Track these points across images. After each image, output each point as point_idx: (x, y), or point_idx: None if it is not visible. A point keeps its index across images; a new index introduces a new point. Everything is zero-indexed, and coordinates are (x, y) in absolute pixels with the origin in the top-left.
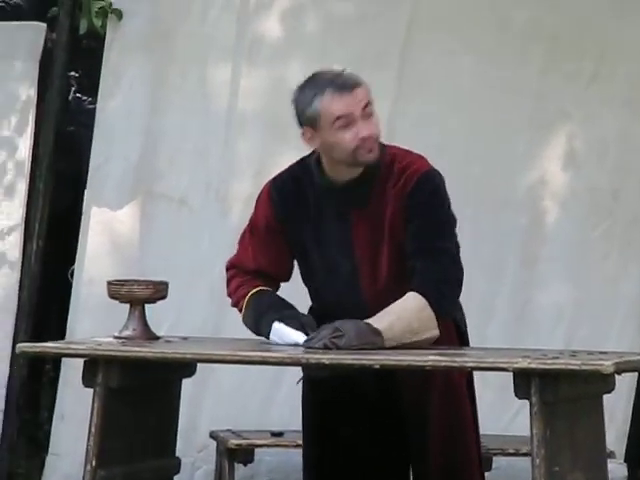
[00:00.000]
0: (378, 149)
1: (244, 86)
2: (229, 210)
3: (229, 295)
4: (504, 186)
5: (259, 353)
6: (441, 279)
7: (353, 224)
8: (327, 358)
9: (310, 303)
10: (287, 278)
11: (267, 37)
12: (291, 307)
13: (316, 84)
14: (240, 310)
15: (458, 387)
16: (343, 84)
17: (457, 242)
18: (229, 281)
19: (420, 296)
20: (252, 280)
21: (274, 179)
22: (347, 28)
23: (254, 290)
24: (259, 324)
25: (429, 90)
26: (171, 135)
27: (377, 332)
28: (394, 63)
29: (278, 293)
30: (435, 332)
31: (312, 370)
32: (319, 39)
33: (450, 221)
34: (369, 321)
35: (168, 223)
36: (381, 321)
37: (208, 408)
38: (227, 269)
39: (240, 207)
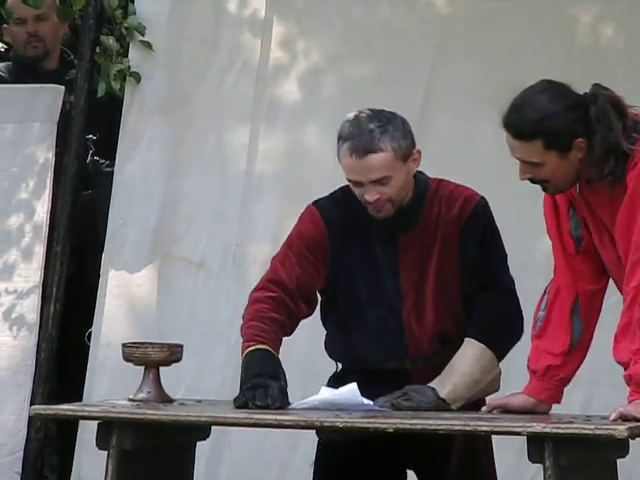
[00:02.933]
0: (390, 208)
1: (262, 149)
2: (247, 274)
3: (244, 319)
4: (523, 250)
5: (274, 416)
6: (501, 321)
7: (400, 248)
8: (341, 421)
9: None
10: (314, 305)
11: (285, 100)
12: (271, 375)
13: (342, 132)
14: (242, 350)
15: (480, 451)
16: (357, 147)
17: (511, 276)
18: (249, 304)
19: (477, 342)
20: (269, 319)
21: (318, 200)
22: (365, 91)
23: (253, 348)
24: (240, 387)
25: (446, 154)
26: (189, 198)
27: (442, 400)
28: (413, 127)
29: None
30: (496, 371)
31: (326, 434)
32: (337, 102)
33: (504, 253)
34: (433, 385)
35: (185, 286)
36: (444, 385)
37: (225, 471)
38: (256, 289)
39: (258, 271)
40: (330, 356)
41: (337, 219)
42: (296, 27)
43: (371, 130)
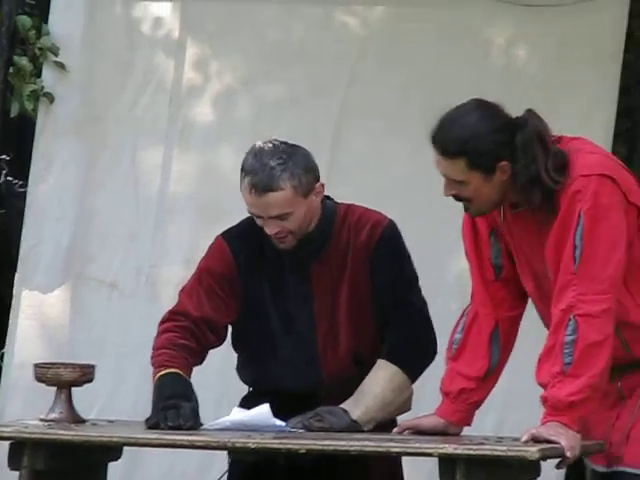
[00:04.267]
0: (292, 239)
1: (175, 170)
2: (159, 295)
3: (153, 349)
4: (435, 272)
5: (186, 437)
6: (414, 343)
7: (313, 276)
8: (253, 442)
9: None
10: (223, 337)
11: (198, 121)
12: (183, 397)
13: (245, 164)
14: (153, 377)
15: (396, 468)
16: (257, 184)
17: (423, 298)
18: (158, 335)
19: (390, 364)
20: (179, 346)
21: (228, 230)
22: (279, 112)
23: (164, 372)
24: (152, 409)
25: (360, 175)
26: (102, 219)
27: (354, 421)
28: (326, 147)
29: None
30: (408, 392)
31: (238, 455)
32: (250, 123)
33: (415, 276)
34: (345, 407)
35: (98, 307)
36: (356, 406)
37: None
38: (162, 321)
39: (170, 292)
40: (242, 380)
41: (247, 252)
42: (210, 49)
43: (272, 167)
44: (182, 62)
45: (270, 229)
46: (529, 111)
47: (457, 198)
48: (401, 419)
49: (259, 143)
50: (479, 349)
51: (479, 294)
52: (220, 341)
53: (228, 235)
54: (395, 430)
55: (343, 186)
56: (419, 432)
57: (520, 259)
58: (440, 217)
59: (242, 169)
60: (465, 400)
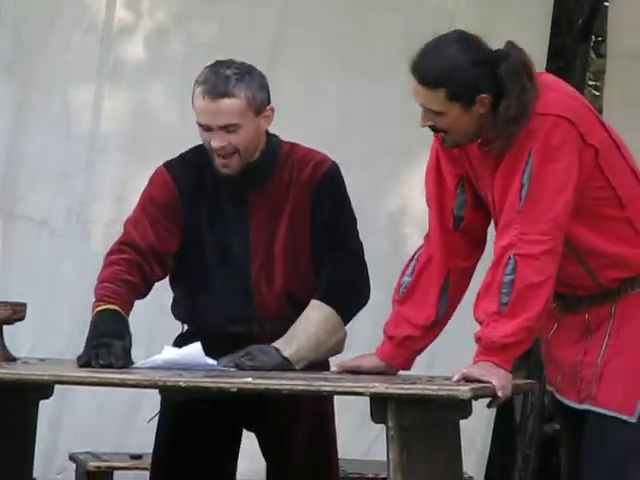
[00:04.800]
0: (237, 162)
1: (106, 109)
2: (90, 233)
3: (97, 280)
4: (368, 212)
5: (117, 375)
6: (349, 285)
7: (251, 205)
8: (184, 381)
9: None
10: (169, 268)
11: (130, 60)
12: (116, 335)
13: (201, 75)
14: (92, 309)
15: (326, 408)
16: (211, 90)
17: (360, 242)
18: (104, 266)
19: (325, 305)
20: (122, 281)
21: (169, 162)
22: (211, 51)
23: (102, 308)
24: (85, 345)
25: (292, 114)
26: (33, 157)
27: (286, 359)
28: None
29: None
30: (341, 334)
31: (169, 393)
32: (182, 62)
33: (354, 219)
34: (277, 345)
35: (29, 245)
36: (289, 345)
37: (68, 430)
38: (110, 252)
39: (101, 230)
40: (176, 318)
41: (188, 181)
42: None
43: (227, 76)
44: (113, 1)
45: (217, 142)
46: (510, 42)
47: (433, 129)
48: (341, 361)
49: (216, 60)
50: (428, 297)
51: (435, 241)
52: (165, 273)
53: (170, 165)
54: (334, 370)
55: (276, 125)
56: (359, 372)
57: (490, 198)
58: (371, 157)
59: (196, 81)
60: (408, 347)
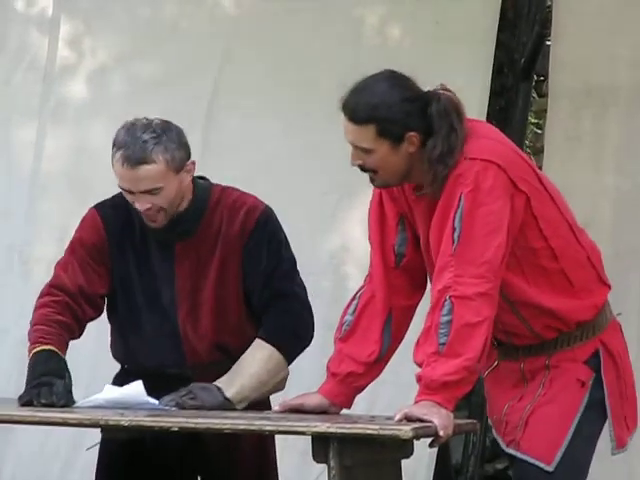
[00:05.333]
0: (163, 218)
1: (48, 147)
2: (32, 272)
3: (30, 324)
4: (309, 250)
5: (59, 414)
6: (292, 326)
7: (177, 256)
8: (126, 420)
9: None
10: (100, 308)
11: (72, 99)
12: (56, 374)
13: (117, 139)
14: (28, 353)
15: (269, 450)
16: (129, 157)
17: (302, 282)
18: (35, 309)
19: (267, 344)
20: (55, 322)
21: (100, 203)
22: (152, 90)
23: (38, 349)
24: (26, 386)
25: (234, 154)
26: None
27: (227, 399)
28: (199, 126)
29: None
30: (283, 373)
31: (111, 432)
32: (124, 101)
33: (293, 261)
34: (219, 384)
35: None
36: (232, 385)
37: (9, 470)
38: (40, 295)
39: (43, 269)
40: (113, 357)
41: (117, 225)
42: (83, 25)
43: (145, 141)
44: (56, 39)
45: (140, 204)
46: (442, 85)
47: (362, 169)
48: (284, 400)
49: (131, 119)
50: (371, 334)
51: (377, 278)
52: (97, 313)
53: (100, 206)
54: (277, 409)
55: (216, 166)
56: (301, 411)
57: (423, 243)
58: (313, 196)
59: (114, 144)
60: (351, 383)
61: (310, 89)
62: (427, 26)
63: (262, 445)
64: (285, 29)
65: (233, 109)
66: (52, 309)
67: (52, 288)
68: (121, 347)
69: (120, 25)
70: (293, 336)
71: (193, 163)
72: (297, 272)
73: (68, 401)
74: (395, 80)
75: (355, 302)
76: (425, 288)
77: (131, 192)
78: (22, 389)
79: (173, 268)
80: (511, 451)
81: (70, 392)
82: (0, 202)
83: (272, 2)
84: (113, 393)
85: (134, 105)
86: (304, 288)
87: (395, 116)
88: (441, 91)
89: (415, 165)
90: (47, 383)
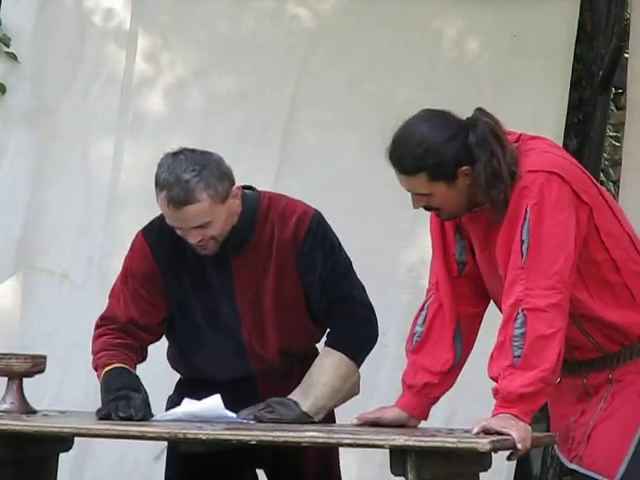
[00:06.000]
0: (215, 245)
1: (126, 161)
2: (110, 285)
3: (93, 354)
4: (386, 263)
5: (137, 428)
6: (357, 329)
7: (234, 270)
8: (204, 433)
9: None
10: (159, 333)
11: (149, 112)
12: (132, 388)
13: (159, 179)
14: (98, 377)
15: (332, 465)
16: (173, 198)
17: (359, 281)
18: (94, 340)
19: (335, 351)
20: (116, 345)
21: (147, 228)
22: (230, 104)
23: (108, 368)
24: (102, 402)
25: (311, 167)
26: (54, 210)
27: (305, 413)
28: (276, 139)
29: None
30: (355, 377)
31: (189, 445)
32: (201, 115)
33: (348, 263)
34: (294, 398)
35: (49, 298)
36: (306, 398)
37: None
38: (96, 327)
39: None
40: (173, 368)
41: (166, 250)
42: (161, 40)
43: (187, 180)
44: (133, 53)
45: (192, 238)
46: (479, 110)
47: (427, 208)
48: (362, 413)
49: (170, 154)
50: (442, 343)
51: (443, 288)
52: (156, 338)
53: (148, 232)
54: (355, 422)
55: (293, 179)
56: (379, 424)
57: (479, 256)
58: (391, 208)
59: (156, 183)
60: (427, 395)
61: (387, 102)
62: (505, 39)
63: (327, 460)
64: (362, 42)
65: (310, 123)
66: (110, 335)
67: (104, 320)
68: (183, 365)
69: (198, 39)
70: (359, 339)
71: (238, 188)
72: (353, 273)
73: (146, 414)
74: (434, 120)
75: (424, 312)
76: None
77: (181, 229)
78: (99, 403)
79: (232, 282)
80: (574, 467)
81: (148, 405)
82: (79, 216)
83: (349, 16)
84: (191, 407)
85: (211, 119)
86: (363, 288)
87: (442, 159)
88: (479, 117)
89: (475, 192)
90: (125, 397)
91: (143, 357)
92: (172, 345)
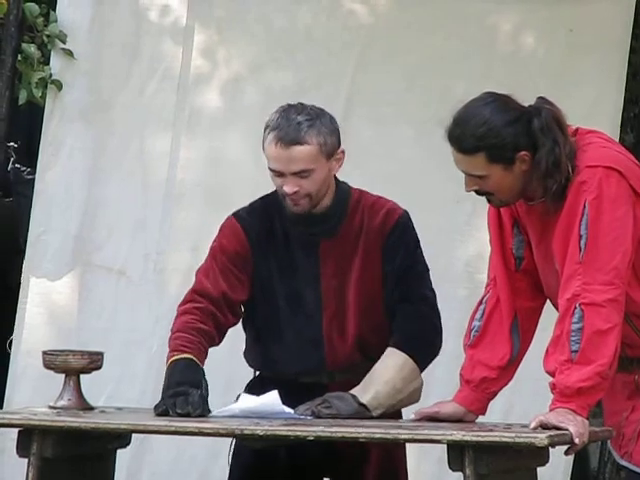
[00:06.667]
0: (308, 203)
1: (183, 157)
2: (167, 281)
3: (171, 331)
4: (443, 258)
5: (195, 424)
6: (423, 333)
7: (322, 254)
8: (261, 429)
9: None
10: (240, 316)
11: (206, 108)
12: (193, 384)
13: (271, 120)
14: (167, 360)
15: (397, 459)
16: (282, 137)
17: (433, 289)
18: (178, 315)
19: (400, 352)
20: (196, 330)
21: (238, 212)
22: (286, 99)
23: (177, 357)
24: (162, 396)
25: (368, 161)
26: (110, 206)
27: (364, 406)
28: None
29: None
30: (417, 382)
31: (247, 441)
32: (258, 110)
33: (426, 267)
34: (354, 392)
35: (106, 294)
36: (366, 392)
37: (145, 479)
38: (184, 301)
39: (179, 278)
40: (248, 364)
41: (258, 230)
42: (217, 35)
43: (299, 122)
44: (190, 49)
45: (289, 187)
46: (541, 98)
47: (478, 192)
48: (420, 408)
49: (285, 104)
50: (500, 338)
51: (501, 282)
52: (237, 320)
53: (239, 215)
54: (412, 417)
55: (350, 174)
56: (436, 419)
57: (535, 251)
58: (448, 203)
59: (267, 126)
60: (485, 389)
61: (443, 96)
62: (560, 34)
63: (390, 448)
64: (418, 37)
65: (366, 117)
66: (195, 316)
67: (195, 294)
68: (258, 354)
69: (254, 35)
70: (425, 344)
71: (343, 152)
72: (429, 279)
73: (204, 411)
74: (496, 103)
75: (482, 307)
76: None
77: (281, 174)
78: (157, 399)
79: (318, 267)
80: (625, 463)
81: (206, 402)
82: (135, 212)
83: (405, 10)
84: (249, 403)
85: (268, 115)
86: (435, 294)
87: (503, 141)
88: (542, 104)
89: (529, 180)
90: (183, 393)
91: (219, 341)
92: (249, 335)
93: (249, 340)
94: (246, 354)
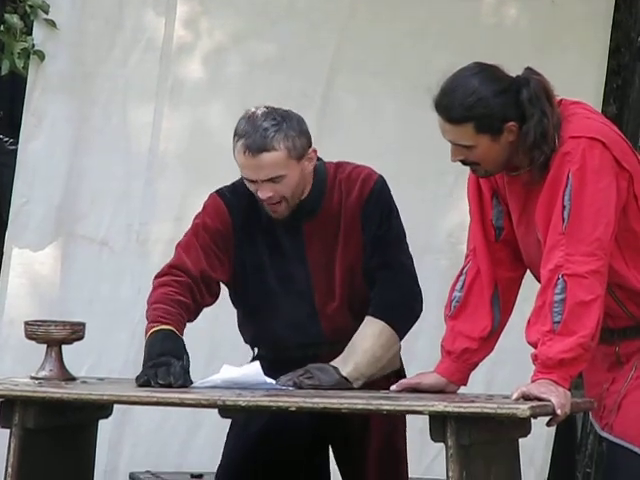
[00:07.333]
0: (286, 207)
1: (165, 128)
2: (150, 252)
3: (148, 303)
4: (425, 229)
5: (177, 395)
6: (401, 299)
7: (306, 235)
8: (243, 400)
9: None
10: (216, 296)
11: (189, 79)
12: (174, 355)
13: (238, 129)
14: (146, 331)
15: (397, 423)
16: (250, 145)
17: (410, 254)
18: (155, 288)
19: (377, 320)
20: (176, 302)
21: (221, 190)
22: (269, 70)
23: (157, 328)
24: (143, 366)
25: (350, 133)
26: (93, 176)
27: (345, 378)
28: (316, 105)
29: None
30: (396, 348)
31: (229, 412)
32: (241, 81)
33: (403, 233)
34: (335, 364)
35: (89, 264)
36: (346, 363)
37: (127, 450)
38: (160, 274)
39: (161, 249)
40: (245, 342)
41: (242, 211)
42: (200, 6)
43: (265, 128)
44: (172, 20)
45: (263, 193)
46: (529, 69)
47: (464, 162)
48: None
49: (252, 108)
50: (481, 309)
51: (481, 253)
52: (214, 299)
53: (222, 193)
54: (394, 388)
55: (333, 145)
56: (418, 390)
57: (516, 221)
58: (430, 175)
59: (235, 133)
60: (466, 360)
61: (426, 68)
62: (544, 6)
63: (391, 420)
64: (401, 8)
65: (349, 89)
66: (173, 289)
67: (173, 268)
68: (254, 328)
69: (237, 5)
70: (403, 310)
71: (315, 151)
72: (406, 244)
73: (185, 382)
74: (484, 73)
75: (463, 278)
76: None
77: (254, 181)
78: (138, 370)
79: (304, 249)
80: (605, 434)
81: (187, 372)
82: (118, 183)
83: None
84: (231, 373)
85: (250, 85)
86: (412, 260)
87: (491, 111)
88: (530, 75)
89: (515, 150)
90: (165, 363)
91: (195, 317)
92: (243, 311)
93: (242, 316)
94: (240, 327)
